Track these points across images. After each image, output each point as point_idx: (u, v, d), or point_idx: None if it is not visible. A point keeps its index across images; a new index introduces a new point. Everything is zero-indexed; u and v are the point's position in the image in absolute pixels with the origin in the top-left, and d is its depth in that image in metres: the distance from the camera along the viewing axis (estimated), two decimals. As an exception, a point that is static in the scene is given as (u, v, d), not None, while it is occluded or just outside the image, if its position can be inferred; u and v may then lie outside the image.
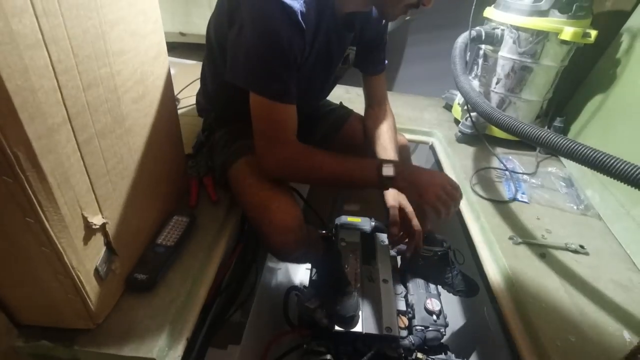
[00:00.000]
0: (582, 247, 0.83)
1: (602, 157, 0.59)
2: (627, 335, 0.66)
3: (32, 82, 0.39)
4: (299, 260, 0.98)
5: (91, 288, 0.53)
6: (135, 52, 0.56)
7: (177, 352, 0.59)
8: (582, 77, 1.18)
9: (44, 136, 0.42)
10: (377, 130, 0.92)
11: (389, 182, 0.71)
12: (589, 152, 0.60)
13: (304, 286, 1.06)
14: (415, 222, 0.82)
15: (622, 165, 0.57)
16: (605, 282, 0.76)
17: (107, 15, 0.48)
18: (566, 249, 0.83)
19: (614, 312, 0.70)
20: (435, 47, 1.61)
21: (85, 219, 0.50)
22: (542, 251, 0.82)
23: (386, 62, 0.94)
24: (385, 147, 0.89)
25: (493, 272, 0.79)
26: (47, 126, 0.42)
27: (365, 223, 1.24)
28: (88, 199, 0.50)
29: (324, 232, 1.17)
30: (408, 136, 1.30)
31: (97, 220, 0.52)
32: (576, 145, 0.61)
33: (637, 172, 0.56)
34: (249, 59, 0.65)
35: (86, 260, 0.52)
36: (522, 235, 0.85)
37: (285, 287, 1.20)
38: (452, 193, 0.69)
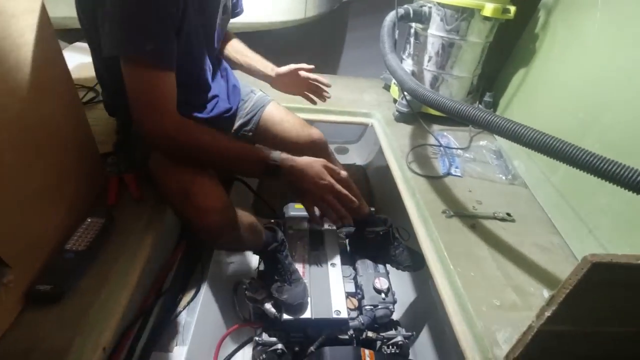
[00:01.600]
0: (508, 214, 0.87)
1: (512, 126, 0.60)
2: (545, 294, 0.70)
3: None
4: (233, 246, 0.95)
5: (-26, 307, 0.47)
6: (3, 33, 0.49)
7: (93, 364, 0.54)
8: (507, 53, 1.23)
9: None
10: (235, 47, 0.99)
11: (277, 171, 0.70)
12: (501, 121, 0.61)
13: (252, 278, 1.04)
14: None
15: (531, 134, 0.59)
16: (529, 246, 0.81)
17: (-50, -11, 0.41)
18: (494, 217, 0.86)
19: (536, 274, 0.74)
20: (376, 30, 1.60)
21: (-48, 229, 0.43)
22: (473, 222, 0.85)
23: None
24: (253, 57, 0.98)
25: (427, 246, 0.81)
26: None
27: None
28: (-47, 206, 0.44)
29: (272, 221, 1.14)
30: (349, 118, 1.29)
31: (-29, 230, 0.45)
32: (490, 115, 0.63)
33: (549, 140, 0.58)
34: (117, 23, 0.59)
35: (-38, 277, 0.45)
36: (455, 208, 0.88)
37: (234, 282, 1.17)
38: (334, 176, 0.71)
